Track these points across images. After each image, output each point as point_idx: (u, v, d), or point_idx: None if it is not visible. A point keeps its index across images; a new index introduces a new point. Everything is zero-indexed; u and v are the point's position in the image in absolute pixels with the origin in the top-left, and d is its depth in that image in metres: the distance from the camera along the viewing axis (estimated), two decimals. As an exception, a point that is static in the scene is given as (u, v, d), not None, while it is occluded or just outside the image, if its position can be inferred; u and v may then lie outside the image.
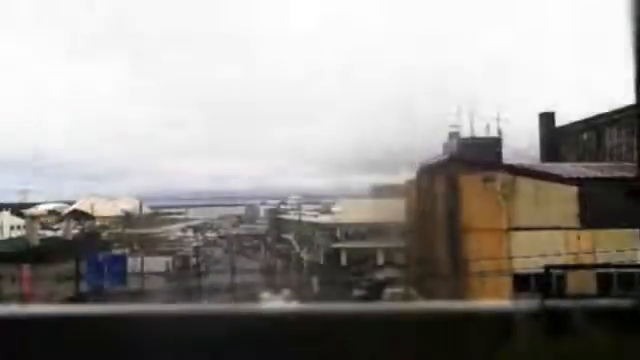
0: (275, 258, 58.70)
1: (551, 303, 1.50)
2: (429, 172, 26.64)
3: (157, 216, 75.99)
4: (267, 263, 58.14)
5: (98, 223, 62.69)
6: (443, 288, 21.90)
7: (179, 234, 72.81)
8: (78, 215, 63.06)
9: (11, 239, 51.05)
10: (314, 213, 61.43)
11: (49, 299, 31.72)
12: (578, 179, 22.77)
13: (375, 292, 36.27)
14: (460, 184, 22.44)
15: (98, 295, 34.93)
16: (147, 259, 46.72)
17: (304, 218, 59.39)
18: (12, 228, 58.31)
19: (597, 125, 29.76)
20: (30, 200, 66.33)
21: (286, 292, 40.87)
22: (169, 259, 54.98)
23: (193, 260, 56.41)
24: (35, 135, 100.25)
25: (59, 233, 56.23)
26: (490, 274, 19.42)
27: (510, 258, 20.66)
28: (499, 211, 21.62)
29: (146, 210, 65.41)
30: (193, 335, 1.52)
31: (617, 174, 23.60)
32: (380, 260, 51.13)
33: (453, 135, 27.89)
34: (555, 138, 33.51)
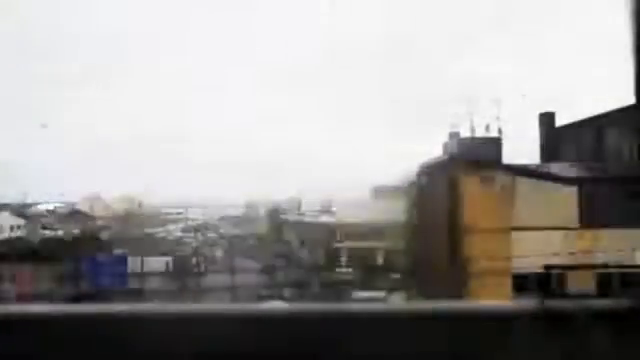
0: (275, 258, 58.69)
1: (551, 303, 1.50)
2: (429, 172, 26.64)
3: (157, 216, 75.93)
4: (267, 263, 58.11)
5: (98, 223, 62.67)
6: (443, 288, 21.91)
7: (179, 234, 72.76)
8: (78, 215, 63.07)
9: (11, 239, 51.04)
10: (314, 213, 61.43)
11: (49, 299, 31.72)
12: (578, 179, 22.78)
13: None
14: (460, 184, 22.45)
15: (98, 295, 34.92)
16: (147, 259, 46.69)
17: (304, 218, 59.40)
18: (12, 228, 58.30)
19: (597, 125, 29.76)
20: (30, 200, 66.29)
21: (286, 292, 40.91)
22: (169, 259, 54.95)
23: (193, 260, 56.41)
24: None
25: (59, 233, 56.24)
26: (490, 274, 19.42)
27: (510, 258, 20.67)
28: (499, 211, 21.63)
29: (146, 210, 65.35)
30: (193, 335, 1.52)
31: (617, 174, 23.61)
32: (380, 260, 51.16)
33: (453, 135, 27.89)
34: (555, 138, 33.52)
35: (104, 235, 57.50)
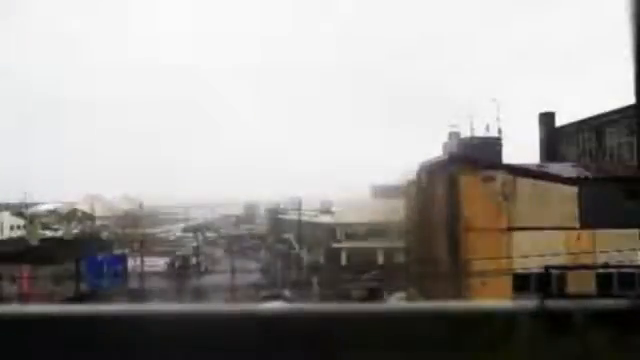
0: (275, 258, 58.68)
1: (551, 303, 1.50)
2: (429, 172, 26.64)
3: (157, 216, 75.92)
4: (267, 263, 58.10)
5: (98, 223, 62.67)
6: (443, 288, 21.91)
7: (179, 234, 72.82)
8: (78, 215, 63.05)
9: (11, 239, 51.05)
10: (314, 213, 61.37)
11: (49, 299, 31.72)
12: (578, 179, 22.77)
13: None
14: (460, 184, 22.44)
15: (98, 295, 34.93)
16: (147, 259, 46.71)
17: (304, 218, 59.36)
18: (12, 228, 58.29)
19: (597, 125, 29.76)
20: (30, 200, 66.25)
21: (286, 292, 40.91)
22: (169, 259, 55.01)
23: (193, 260, 56.44)
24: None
25: (59, 233, 56.26)
26: (490, 274, 19.42)
27: (510, 258, 20.67)
28: (499, 211, 21.62)
29: (146, 210, 65.31)
30: (192, 335, 1.52)
31: (617, 174, 23.61)
32: (380, 260, 51.15)
33: (453, 135, 27.93)
34: (555, 138, 33.52)
35: (104, 235, 57.51)
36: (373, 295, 36.03)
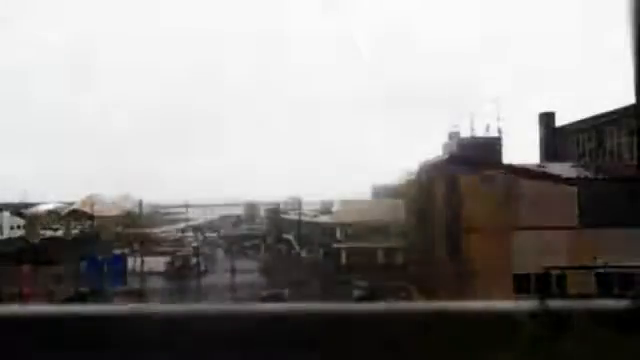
0: (275, 258, 58.66)
1: (551, 303, 1.50)
2: (429, 172, 26.66)
3: (157, 216, 75.80)
4: (267, 263, 58.08)
5: (98, 223, 62.59)
6: (443, 288, 21.91)
7: (179, 234, 72.73)
8: (78, 215, 62.97)
9: (11, 239, 51.03)
10: (314, 213, 61.33)
11: (49, 299, 31.72)
12: (578, 179, 22.80)
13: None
14: (460, 184, 22.46)
15: (98, 295, 34.92)
16: (147, 259, 46.66)
17: (304, 218, 59.31)
18: (12, 228, 58.25)
19: (597, 125, 29.77)
20: (30, 200, 66.14)
21: (286, 292, 40.91)
22: (169, 259, 54.97)
23: (193, 260, 56.37)
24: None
25: (59, 233, 56.23)
26: (490, 274, 19.44)
27: (510, 258, 20.69)
28: (499, 211, 21.64)
29: (146, 210, 65.21)
30: (193, 335, 1.52)
31: (617, 174, 23.64)
32: (380, 260, 51.15)
33: (453, 135, 27.94)
34: (555, 138, 33.55)
35: (104, 235, 57.45)
36: (373, 295, 36.01)
